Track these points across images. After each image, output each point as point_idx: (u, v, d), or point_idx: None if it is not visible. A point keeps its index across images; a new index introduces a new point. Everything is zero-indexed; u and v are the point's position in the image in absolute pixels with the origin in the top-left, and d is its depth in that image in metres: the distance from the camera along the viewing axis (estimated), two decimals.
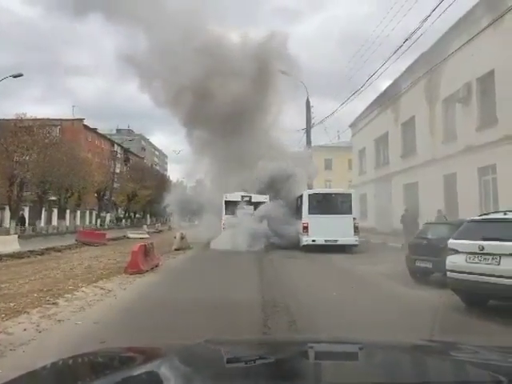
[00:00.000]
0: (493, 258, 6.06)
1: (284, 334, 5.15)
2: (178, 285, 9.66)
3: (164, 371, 1.51)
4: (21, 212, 33.50)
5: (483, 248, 6.18)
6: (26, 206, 36.20)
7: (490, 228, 6.69)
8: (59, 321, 6.06)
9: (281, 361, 1.67)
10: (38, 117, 35.66)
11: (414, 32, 15.86)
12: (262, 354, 1.70)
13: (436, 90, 21.20)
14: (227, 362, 1.67)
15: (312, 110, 26.68)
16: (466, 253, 6.48)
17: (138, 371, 1.54)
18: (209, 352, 1.79)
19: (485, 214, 7.68)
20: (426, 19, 14.86)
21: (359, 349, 1.84)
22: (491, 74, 16.62)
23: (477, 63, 17.14)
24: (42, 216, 38.06)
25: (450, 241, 6.98)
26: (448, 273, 6.81)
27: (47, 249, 17.78)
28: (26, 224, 33.29)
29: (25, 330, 5.55)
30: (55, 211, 40.76)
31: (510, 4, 14.68)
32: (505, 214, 6.75)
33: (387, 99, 26.14)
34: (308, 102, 26.40)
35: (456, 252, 6.70)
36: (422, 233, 10.59)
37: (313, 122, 26.52)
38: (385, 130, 28.45)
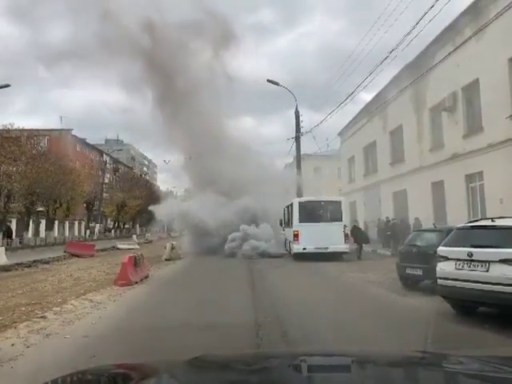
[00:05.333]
0: (482, 265, 6.11)
1: (276, 348, 5.11)
2: (169, 296, 9.57)
3: None
4: (7, 224, 32.95)
5: (472, 255, 6.24)
6: (13, 217, 35.64)
7: (478, 235, 6.75)
8: (48, 335, 5.97)
9: (274, 375, 1.66)
10: (26, 128, 35.33)
11: (400, 43, 16.09)
12: (255, 370, 1.69)
13: (422, 98, 21.49)
14: (220, 379, 1.65)
15: (301, 118, 26.77)
16: (455, 260, 6.53)
17: None
18: (202, 369, 1.77)
19: (475, 221, 7.75)
20: (409, 32, 15.16)
21: (352, 361, 1.84)
22: (476, 83, 16.93)
23: (462, 73, 17.44)
24: (30, 228, 37.48)
25: (440, 248, 7.03)
26: (438, 280, 6.86)
27: (35, 261, 17.52)
28: (13, 236, 32.75)
29: (12, 345, 5.46)
30: (43, 222, 40.18)
31: (492, 16, 15.03)
32: (492, 220, 6.82)
33: (375, 108, 26.39)
34: (297, 111, 26.53)
35: (445, 259, 6.75)
36: (412, 240, 10.66)
37: (302, 131, 26.59)
38: (373, 139, 28.68)
